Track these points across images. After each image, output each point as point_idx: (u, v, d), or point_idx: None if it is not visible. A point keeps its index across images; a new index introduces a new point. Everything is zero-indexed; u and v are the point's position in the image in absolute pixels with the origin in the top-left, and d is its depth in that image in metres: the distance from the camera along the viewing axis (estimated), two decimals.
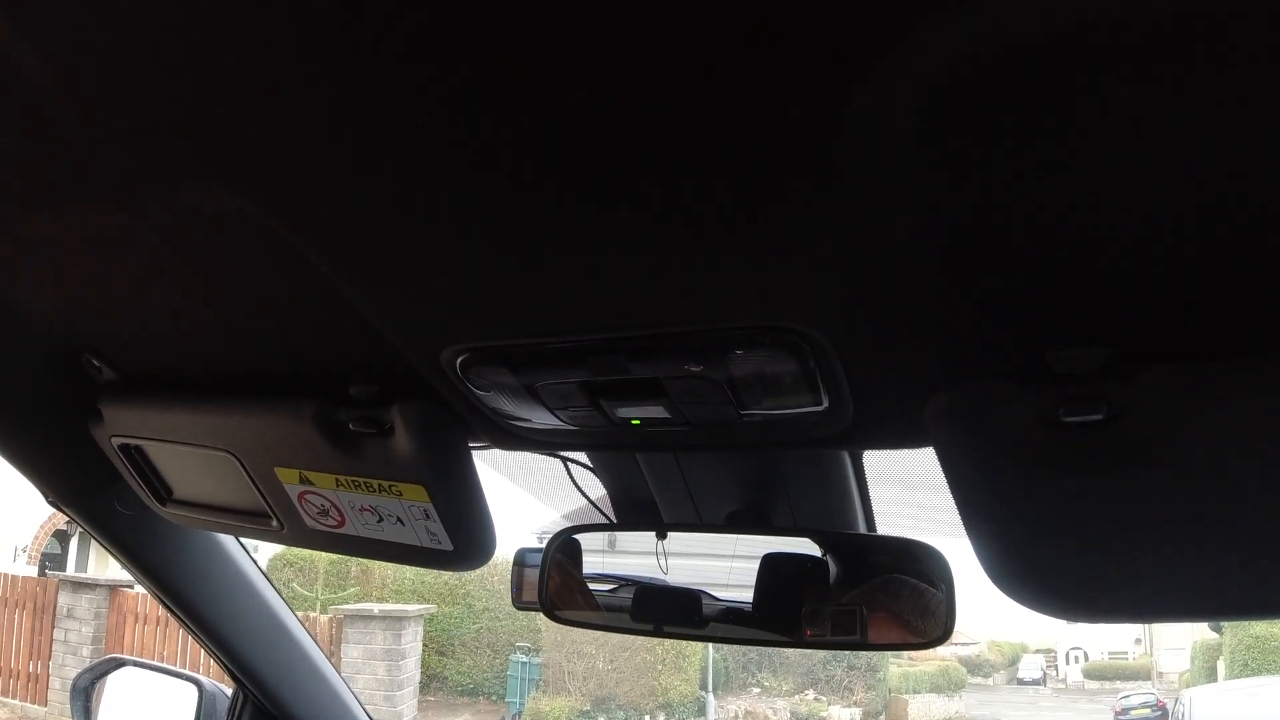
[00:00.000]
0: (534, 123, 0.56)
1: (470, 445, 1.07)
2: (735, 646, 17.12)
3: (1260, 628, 18.71)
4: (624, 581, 1.32)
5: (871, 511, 1.33)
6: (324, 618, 11.58)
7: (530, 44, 0.51)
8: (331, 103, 0.59)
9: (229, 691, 1.85)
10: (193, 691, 1.89)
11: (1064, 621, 0.91)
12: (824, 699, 17.13)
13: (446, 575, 16.22)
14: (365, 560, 15.66)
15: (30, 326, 1.12)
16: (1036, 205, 0.58)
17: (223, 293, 0.96)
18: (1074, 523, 0.77)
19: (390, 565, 15.89)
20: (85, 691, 1.96)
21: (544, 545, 1.29)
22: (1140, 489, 0.72)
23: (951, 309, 0.69)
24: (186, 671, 2.00)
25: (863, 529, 1.33)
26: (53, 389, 1.24)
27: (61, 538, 15.71)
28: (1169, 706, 18.29)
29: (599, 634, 14.50)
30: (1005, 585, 0.84)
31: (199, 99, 0.61)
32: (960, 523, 0.85)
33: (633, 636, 14.26)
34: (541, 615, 1.33)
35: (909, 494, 1.38)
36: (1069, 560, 0.81)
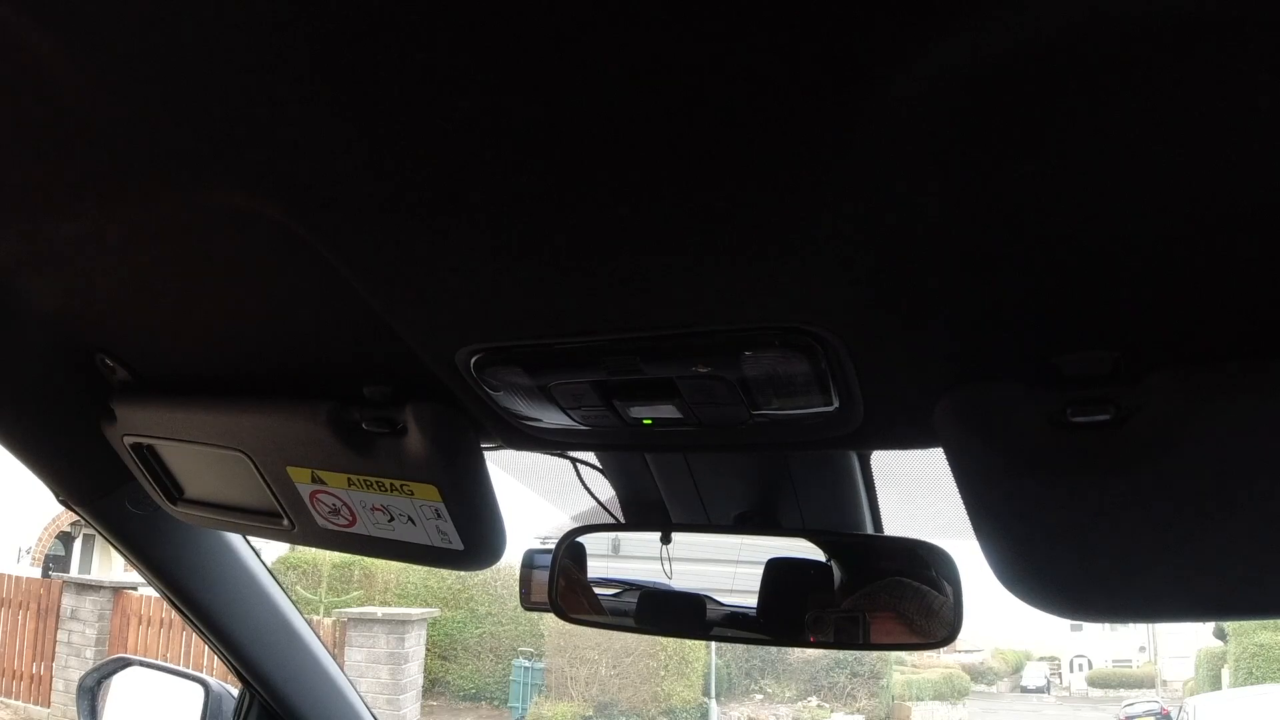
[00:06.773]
0: (552, 125, 0.57)
1: (482, 446, 1.07)
2: (738, 653, 17.09)
3: (1265, 636, 18.62)
4: (629, 586, 1.33)
5: (879, 512, 1.33)
6: (327, 621, 11.57)
7: (546, 45, 0.51)
8: (352, 106, 0.59)
9: (235, 692, 1.86)
10: (199, 692, 1.89)
11: (1071, 621, 0.92)
12: (827, 706, 17.08)
13: (450, 580, 16.23)
14: (369, 564, 15.70)
15: (44, 326, 1.13)
16: (1048, 209, 0.58)
17: (237, 293, 0.96)
18: (1082, 523, 0.77)
19: (394, 569, 15.90)
20: (91, 691, 1.96)
21: (552, 546, 1.29)
22: (1148, 490, 0.73)
23: (963, 311, 0.70)
24: (193, 671, 2.00)
25: (870, 530, 1.34)
26: (65, 388, 1.25)
27: (65, 539, 15.71)
28: (1173, 714, 18.22)
29: (602, 640, 14.52)
30: (1014, 586, 0.85)
31: (219, 100, 0.62)
32: (963, 526, 0.86)
33: (635, 642, 14.29)
34: (545, 620, 1.34)
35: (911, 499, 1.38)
36: (1077, 561, 0.81)
